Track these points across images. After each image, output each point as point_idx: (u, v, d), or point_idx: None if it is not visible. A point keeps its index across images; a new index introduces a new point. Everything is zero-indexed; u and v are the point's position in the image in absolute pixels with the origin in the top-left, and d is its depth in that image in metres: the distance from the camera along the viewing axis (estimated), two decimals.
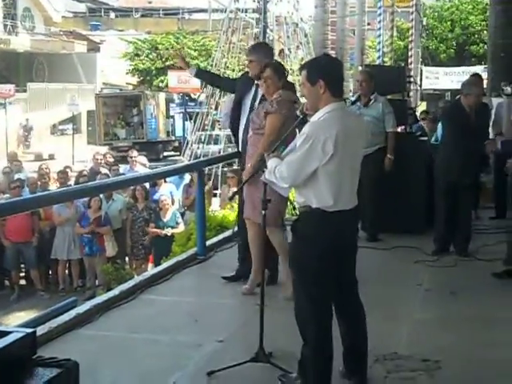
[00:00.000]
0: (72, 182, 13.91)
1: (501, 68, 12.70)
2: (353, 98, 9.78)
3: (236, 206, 9.60)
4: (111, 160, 16.67)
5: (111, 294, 6.83)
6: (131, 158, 15.23)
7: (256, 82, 6.81)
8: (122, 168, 15.29)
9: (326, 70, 4.32)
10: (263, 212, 5.00)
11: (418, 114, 13.30)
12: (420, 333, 5.71)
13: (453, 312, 6.25)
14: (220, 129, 24.45)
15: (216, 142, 24.96)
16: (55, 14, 49.10)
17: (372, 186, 8.17)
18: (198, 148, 23.74)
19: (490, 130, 9.58)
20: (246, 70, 7.41)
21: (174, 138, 38.25)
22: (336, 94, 4.29)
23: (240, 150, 7.02)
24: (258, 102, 6.78)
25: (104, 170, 14.43)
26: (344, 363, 4.56)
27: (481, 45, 31.67)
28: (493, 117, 10.03)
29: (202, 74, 8.28)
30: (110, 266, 12.14)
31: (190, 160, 19.90)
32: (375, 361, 4.88)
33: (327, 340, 4.32)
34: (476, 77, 10.31)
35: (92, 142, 37.05)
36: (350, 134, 4.25)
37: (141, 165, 15.03)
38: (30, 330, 2.61)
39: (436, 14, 35.57)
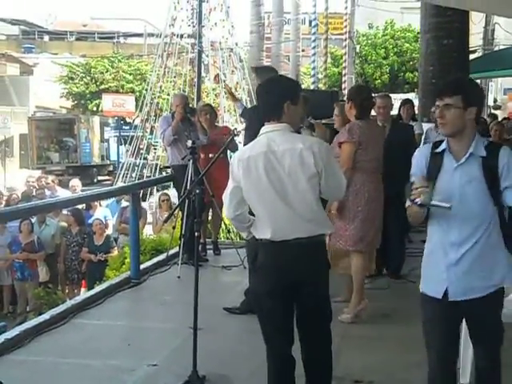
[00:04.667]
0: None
1: (431, 94, 12.93)
2: None
3: (171, 229, 9.58)
4: (50, 182, 16.37)
5: (42, 318, 6.72)
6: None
7: None
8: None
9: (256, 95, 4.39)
10: (196, 234, 5.04)
11: None
12: (353, 354, 5.74)
13: (385, 333, 6.32)
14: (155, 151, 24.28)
15: None
16: None
17: None
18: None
19: None
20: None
21: (108, 161, 37.93)
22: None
23: None
24: None
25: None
26: None
27: (415, 72, 32.27)
28: (422, 142, 10.22)
29: (246, 112, 7.96)
30: (42, 290, 11.92)
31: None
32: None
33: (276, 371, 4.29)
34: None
35: (25, 166, 36.46)
36: (275, 161, 4.10)
37: (71, 189, 14.70)
38: None
39: (370, 41, 36.15)
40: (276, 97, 4.18)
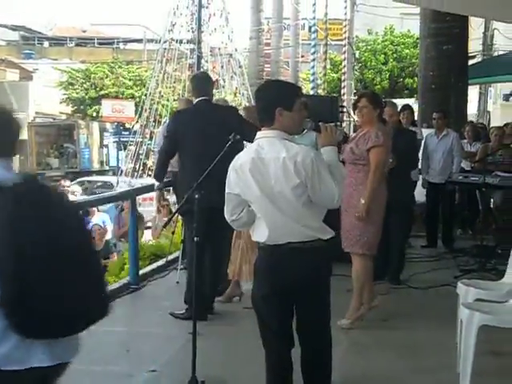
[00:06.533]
0: None
1: (431, 100, 12.97)
2: None
3: (171, 234, 9.56)
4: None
5: None
6: (63, 187, 14.95)
7: None
8: None
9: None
10: (195, 239, 5.02)
11: None
12: (353, 360, 5.72)
13: (385, 339, 6.29)
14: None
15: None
16: None
17: None
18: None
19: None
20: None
21: (107, 167, 37.93)
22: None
23: None
24: None
25: None
26: None
27: (414, 78, 32.33)
28: (422, 147, 10.22)
29: None
30: None
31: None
32: None
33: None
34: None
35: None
36: (262, 168, 4.03)
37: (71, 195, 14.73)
38: None
39: (369, 47, 36.18)
40: (266, 103, 4.11)
